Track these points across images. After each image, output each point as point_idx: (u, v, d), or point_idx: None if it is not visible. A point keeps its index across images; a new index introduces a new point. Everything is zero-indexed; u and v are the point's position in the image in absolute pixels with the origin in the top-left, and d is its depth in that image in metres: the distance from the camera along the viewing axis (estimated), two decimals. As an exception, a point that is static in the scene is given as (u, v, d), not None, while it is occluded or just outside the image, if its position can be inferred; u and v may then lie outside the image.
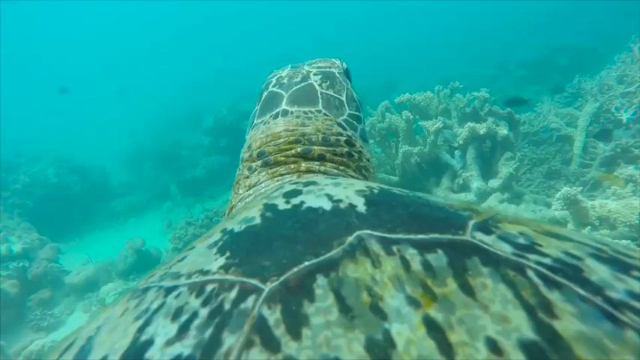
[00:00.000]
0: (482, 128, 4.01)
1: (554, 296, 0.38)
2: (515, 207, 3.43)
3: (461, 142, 4.22)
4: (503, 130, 3.94)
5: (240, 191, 1.05)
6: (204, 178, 10.02)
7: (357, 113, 1.19)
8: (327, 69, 1.22)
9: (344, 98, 1.17)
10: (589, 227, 2.59)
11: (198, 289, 0.46)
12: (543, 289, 0.39)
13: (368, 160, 1.16)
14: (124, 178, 11.80)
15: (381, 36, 25.95)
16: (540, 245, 0.46)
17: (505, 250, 0.45)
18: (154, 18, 33.64)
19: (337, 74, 1.22)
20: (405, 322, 0.37)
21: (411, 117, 4.31)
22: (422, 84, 4.84)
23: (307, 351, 0.36)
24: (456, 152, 4.32)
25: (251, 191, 1.01)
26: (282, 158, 1.03)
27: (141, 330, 0.43)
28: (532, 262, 0.43)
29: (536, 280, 0.40)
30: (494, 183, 3.95)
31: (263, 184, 1.00)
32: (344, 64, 1.30)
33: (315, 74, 1.19)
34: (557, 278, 0.40)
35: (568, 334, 0.35)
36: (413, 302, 0.39)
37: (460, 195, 4.19)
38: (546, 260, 0.43)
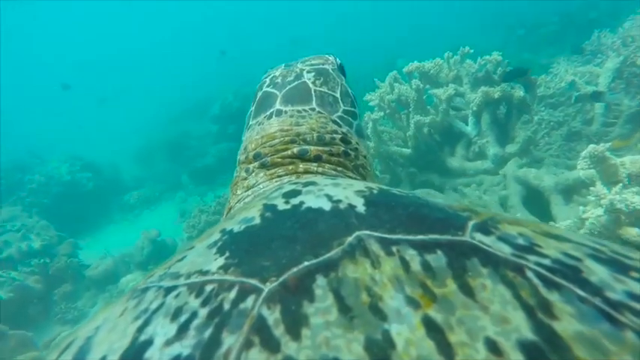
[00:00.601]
0: (496, 92, 3.81)
1: (553, 297, 0.38)
2: (535, 170, 3.26)
3: (474, 108, 4.04)
4: (519, 92, 3.74)
5: (239, 192, 1.05)
6: (214, 165, 10.01)
7: (351, 109, 1.17)
8: (321, 66, 1.21)
9: (338, 95, 1.16)
10: (620, 185, 2.43)
11: (197, 289, 0.46)
12: (542, 289, 0.39)
13: (364, 157, 1.14)
14: (135, 172, 11.89)
15: (382, 9, 25.20)
16: (539, 246, 0.46)
17: (504, 250, 0.45)
18: (157, 12, 33.25)
19: (331, 71, 1.21)
20: (404, 322, 0.37)
21: (422, 86, 4.14)
22: (429, 55, 4.60)
23: (307, 351, 0.35)
24: (470, 119, 4.15)
25: (249, 192, 1.01)
26: (279, 160, 1.03)
27: (140, 330, 0.43)
28: (531, 262, 0.43)
29: (536, 280, 0.40)
30: (512, 148, 3.78)
31: (261, 185, 1.00)
32: (337, 59, 1.29)
33: (308, 72, 1.18)
34: (556, 279, 0.40)
35: (567, 334, 0.35)
36: (412, 303, 0.39)
37: (476, 163, 4.03)
38: (545, 261, 0.43)
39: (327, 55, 1.29)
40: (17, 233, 5.95)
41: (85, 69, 28.42)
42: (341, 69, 1.29)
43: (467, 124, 4.22)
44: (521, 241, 0.47)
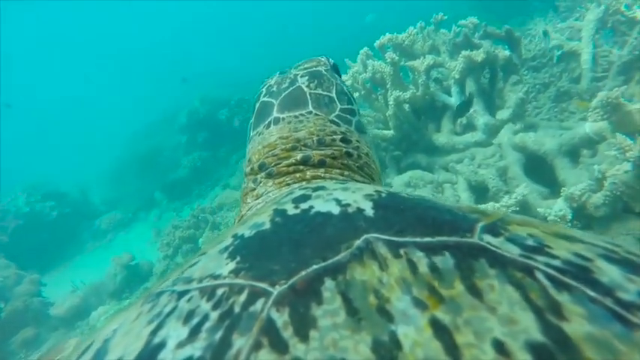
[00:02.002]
0: (479, 54, 3.45)
1: (562, 298, 0.38)
2: (534, 134, 2.90)
3: (457, 76, 3.67)
4: (504, 52, 3.39)
5: (249, 200, 1.06)
6: (188, 177, 9.44)
7: (349, 106, 1.18)
8: (314, 69, 1.24)
9: (334, 94, 1.18)
10: (632, 140, 2.07)
11: (209, 292, 0.47)
12: (552, 290, 0.39)
13: (367, 155, 1.14)
14: (106, 195, 11.17)
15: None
16: (549, 247, 0.46)
17: (513, 251, 0.45)
18: (102, 24, 31.92)
19: (324, 72, 1.23)
20: (411, 323, 0.38)
21: (397, 58, 3.74)
22: (395, 30, 4.21)
23: (315, 352, 0.36)
24: (453, 88, 3.77)
25: (260, 200, 1.02)
26: (284, 168, 1.04)
27: (154, 333, 0.44)
28: (540, 263, 0.43)
29: (545, 281, 0.40)
30: (504, 114, 3.43)
31: (271, 194, 1.01)
32: (330, 60, 1.32)
33: (302, 76, 1.20)
34: (566, 280, 0.41)
35: (577, 335, 0.35)
36: (419, 304, 0.39)
37: (466, 136, 3.66)
38: (555, 262, 0.43)
39: (319, 57, 1.31)
40: (-33, 278, 5.28)
41: (29, 91, 27.09)
42: (335, 69, 1.30)
43: (450, 96, 3.85)
44: (530, 242, 0.47)
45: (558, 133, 2.96)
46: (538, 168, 3.04)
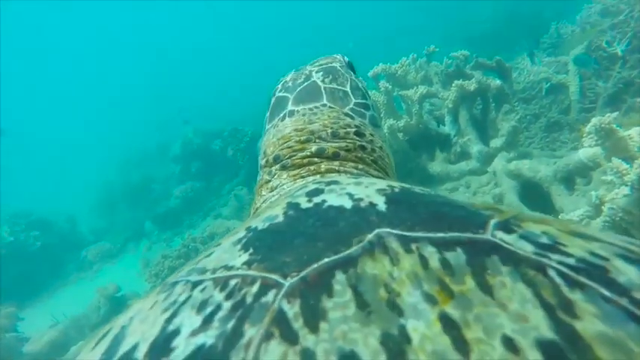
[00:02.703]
0: (472, 84, 3.53)
1: (575, 296, 0.38)
2: (529, 161, 2.91)
3: (450, 105, 3.73)
4: (495, 81, 3.46)
5: (264, 193, 1.06)
6: (179, 208, 9.28)
7: (363, 101, 1.19)
8: (329, 64, 1.24)
9: (348, 89, 1.18)
10: (628, 164, 2.08)
11: (222, 283, 0.48)
12: (564, 288, 0.39)
13: (381, 148, 1.14)
14: (94, 224, 10.88)
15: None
16: (564, 245, 0.46)
17: (526, 249, 0.44)
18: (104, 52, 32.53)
19: (339, 67, 1.24)
20: (421, 318, 0.38)
21: (390, 87, 3.81)
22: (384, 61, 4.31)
23: (324, 344, 0.37)
24: (447, 118, 3.82)
25: (274, 192, 1.02)
26: (299, 160, 1.04)
27: (169, 321, 0.45)
28: (554, 261, 0.42)
29: (558, 279, 0.40)
30: (497, 142, 3.46)
31: (285, 186, 1.01)
32: (345, 57, 1.32)
33: (317, 72, 1.21)
34: (580, 278, 0.40)
35: (589, 334, 0.34)
36: (430, 299, 0.39)
37: (460, 164, 3.67)
38: (569, 260, 0.43)
39: (334, 55, 1.32)
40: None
41: (21, 115, 27.02)
42: (350, 66, 1.31)
43: (443, 125, 3.90)
44: (544, 239, 0.47)
45: (552, 160, 2.98)
46: (533, 195, 3.02)
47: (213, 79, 25.54)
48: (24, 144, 23.54)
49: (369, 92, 3.63)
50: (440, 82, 4.03)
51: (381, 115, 3.93)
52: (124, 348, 0.45)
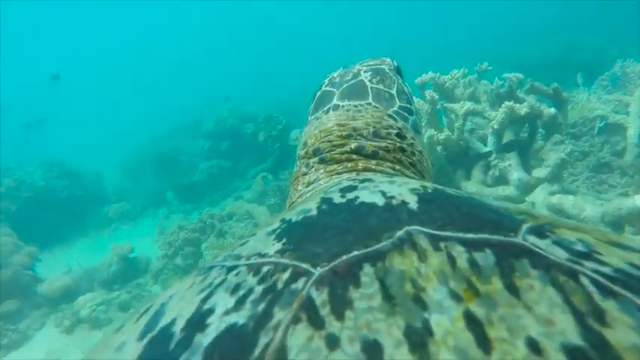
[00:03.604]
0: (523, 108, 3.35)
1: (608, 305, 0.37)
2: (574, 197, 2.74)
3: (496, 126, 3.57)
4: (549, 109, 3.28)
5: (300, 187, 1.07)
6: (202, 183, 9.39)
7: (407, 105, 1.19)
8: (378, 66, 1.25)
9: (394, 91, 1.18)
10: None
11: (255, 269, 0.51)
12: (597, 296, 0.38)
13: (420, 153, 1.14)
14: (119, 185, 11.20)
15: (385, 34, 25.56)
16: (600, 254, 0.45)
17: (558, 255, 0.44)
18: (168, 29, 33.53)
19: (387, 70, 1.24)
20: (445, 313, 0.38)
21: (436, 97, 3.68)
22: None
23: (348, 331, 0.38)
24: (490, 139, 3.66)
25: (310, 187, 1.04)
26: (337, 155, 1.05)
27: (204, 300, 0.48)
28: (588, 269, 0.42)
29: (590, 287, 0.39)
30: (541, 172, 3.28)
31: (322, 182, 1.02)
32: (394, 62, 1.32)
33: (365, 71, 1.22)
34: (615, 288, 0.39)
35: (620, 344, 0.34)
36: (455, 296, 0.40)
37: (497, 189, 3.50)
38: (605, 269, 0.42)
39: (383, 57, 1.33)
40: (-34, 238, 5.23)
41: (87, 76, 28.10)
42: (397, 70, 1.31)
43: (485, 145, 3.74)
44: (579, 247, 0.46)
45: (599, 202, 2.80)
46: (571, 234, 2.85)
47: (258, 63, 25.85)
48: (71, 97, 24.54)
49: (414, 99, 3.55)
50: (488, 102, 3.87)
51: (423, 124, 3.81)
52: (163, 322, 0.49)
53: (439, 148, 3.73)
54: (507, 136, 3.51)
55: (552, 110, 3.29)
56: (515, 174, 3.38)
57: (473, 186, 3.63)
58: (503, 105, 3.45)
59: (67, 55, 32.00)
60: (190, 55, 30.08)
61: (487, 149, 3.64)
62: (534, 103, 3.36)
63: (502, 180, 3.56)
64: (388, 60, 1.32)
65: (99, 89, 28.02)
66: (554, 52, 11.09)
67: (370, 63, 1.28)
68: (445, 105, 3.82)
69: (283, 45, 29.52)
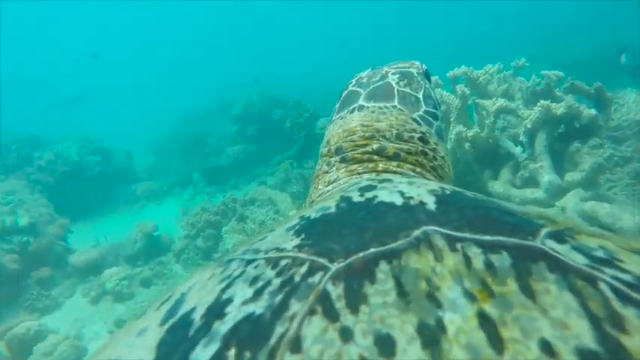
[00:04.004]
0: (560, 108, 3.17)
1: (627, 312, 0.37)
2: (609, 206, 2.58)
3: (529, 125, 3.39)
4: (589, 110, 3.09)
5: (320, 187, 1.09)
6: (228, 167, 9.54)
7: (433, 110, 1.18)
8: (406, 69, 1.25)
9: (420, 96, 1.18)
10: None
11: (273, 262, 0.52)
12: (616, 303, 0.38)
13: (442, 158, 1.14)
14: (148, 164, 11.55)
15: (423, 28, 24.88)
16: (621, 261, 0.44)
17: (577, 260, 0.44)
18: (199, 12, 33.88)
19: (415, 74, 1.24)
20: (458, 312, 0.38)
21: (468, 92, 3.54)
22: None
23: (362, 324, 0.39)
24: (522, 138, 3.49)
25: (330, 187, 1.05)
26: (359, 155, 1.06)
27: (223, 290, 0.50)
28: (607, 275, 0.41)
29: (609, 293, 0.39)
30: (575, 176, 3.10)
31: (342, 181, 1.03)
32: (423, 65, 1.32)
33: (393, 74, 1.22)
34: (635, 295, 0.39)
35: (638, 351, 0.33)
36: (469, 296, 0.40)
37: (525, 191, 3.35)
38: (625, 276, 0.41)
39: (412, 60, 1.31)
40: (6, 207, 5.54)
41: (123, 57, 28.94)
42: (426, 75, 1.31)
43: (516, 145, 3.57)
44: (600, 253, 0.46)
45: (638, 211, 2.62)
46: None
47: (290, 49, 25.82)
48: (109, 76, 25.38)
49: (445, 93, 3.40)
50: (522, 99, 3.68)
51: (452, 119, 3.68)
52: (183, 310, 0.50)
53: (467, 145, 3.60)
54: (540, 136, 3.33)
55: (592, 112, 3.10)
56: (547, 176, 3.22)
57: (500, 186, 3.49)
58: (538, 104, 3.27)
59: (106, 33, 32.97)
60: (228, 35, 30.37)
61: (518, 150, 3.48)
62: (573, 103, 3.16)
63: (532, 182, 3.40)
64: (417, 63, 1.31)
65: (136, 68, 28.80)
66: (598, 50, 10.44)
67: (399, 65, 1.27)
68: (477, 101, 3.66)
69: (320, 31, 29.30)
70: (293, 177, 6.65)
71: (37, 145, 9.73)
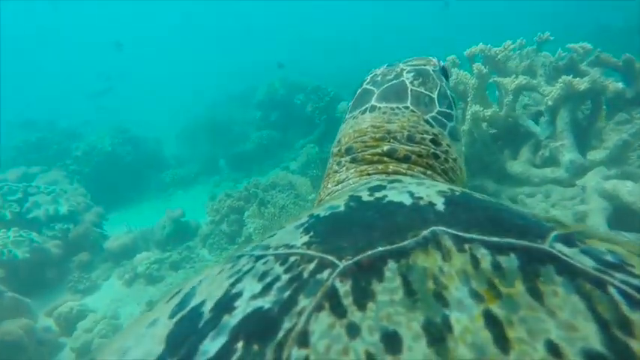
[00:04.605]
0: (583, 83, 3.02)
1: (636, 316, 0.37)
2: (632, 184, 2.48)
3: (550, 102, 3.26)
4: (615, 84, 2.93)
5: (329, 185, 1.09)
6: (253, 153, 9.72)
7: (447, 110, 1.17)
8: (422, 67, 1.22)
9: (435, 95, 1.16)
10: None
11: (282, 259, 0.53)
12: (624, 307, 0.38)
13: (454, 161, 1.12)
14: (177, 151, 11.93)
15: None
16: (632, 266, 0.45)
17: (586, 263, 0.44)
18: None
19: (431, 72, 1.22)
20: (465, 311, 0.39)
21: (485, 71, 3.43)
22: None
23: (369, 321, 0.39)
24: (543, 116, 3.36)
25: (339, 186, 1.05)
26: (369, 156, 1.06)
27: (233, 285, 0.51)
28: (616, 279, 0.41)
29: (618, 297, 0.39)
30: (598, 154, 2.98)
31: (351, 181, 1.04)
32: (441, 62, 1.29)
33: (408, 72, 1.20)
34: None
35: None
36: (476, 296, 0.40)
37: (545, 170, 3.25)
38: (635, 281, 0.42)
39: (430, 57, 1.29)
40: (48, 196, 5.95)
41: (145, 43, 29.55)
42: (443, 71, 1.28)
43: (537, 123, 3.45)
44: (609, 257, 0.45)
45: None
46: (627, 224, 2.59)
47: (310, 32, 25.55)
48: (137, 65, 26.11)
49: (462, 73, 3.30)
50: (545, 76, 3.52)
51: (469, 100, 3.59)
52: (193, 303, 0.51)
53: (484, 125, 3.51)
54: (562, 114, 3.20)
55: (619, 85, 2.94)
56: (568, 155, 3.11)
57: (519, 166, 3.40)
58: (560, 79, 3.13)
59: (130, 24, 33.71)
60: (252, 20, 30.37)
61: (539, 129, 3.36)
62: (598, 77, 3.01)
63: (552, 161, 3.29)
64: (435, 60, 1.28)
65: (160, 57, 29.42)
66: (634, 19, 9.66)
67: (415, 62, 1.25)
68: (496, 79, 3.54)
69: (343, 15, 28.73)
70: (312, 161, 6.72)
71: (74, 137, 10.29)
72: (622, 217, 2.60)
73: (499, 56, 3.68)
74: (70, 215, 5.89)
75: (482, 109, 3.42)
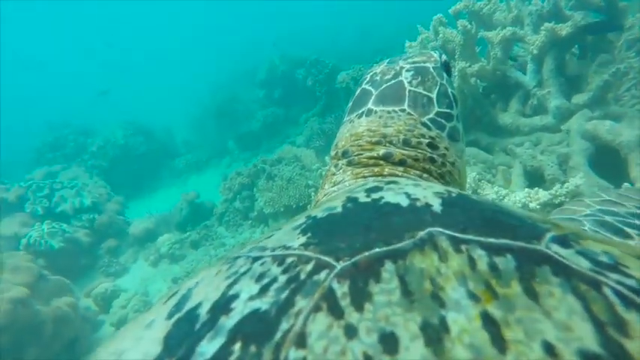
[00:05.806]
0: (565, 28, 3.08)
1: (631, 317, 0.38)
2: (611, 122, 2.59)
3: (535, 51, 3.33)
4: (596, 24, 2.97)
5: (326, 187, 1.10)
6: (259, 131, 9.91)
7: (446, 110, 1.15)
8: (422, 64, 1.21)
9: (434, 95, 1.14)
10: None
11: (279, 260, 0.53)
12: (619, 308, 0.39)
13: (452, 164, 1.12)
14: (187, 137, 12.22)
15: None
16: (626, 266, 0.45)
17: (581, 264, 0.45)
18: None
19: (431, 69, 1.20)
20: (462, 312, 0.39)
21: (469, 26, 3.48)
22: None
23: (367, 322, 0.39)
24: (529, 66, 3.44)
25: (335, 188, 1.06)
26: (365, 160, 1.06)
27: (230, 286, 0.51)
28: (611, 280, 0.42)
29: (613, 298, 0.40)
30: (581, 98, 3.07)
31: (347, 183, 1.05)
32: (443, 56, 1.26)
33: (407, 70, 1.18)
34: (639, 300, 0.39)
35: None
36: (473, 297, 0.41)
37: (534, 119, 3.36)
38: (630, 281, 0.42)
39: (431, 52, 1.26)
40: (72, 190, 6.34)
41: (148, 35, 29.44)
42: (445, 67, 1.25)
43: (525, 74, 3.52)
44: (604, 258, 0.46)
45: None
46: (607, 162, 2.72)
47: (303, 6, 25.01)
48: (135, 62, 26.23)
49: (448, 31, 3.35)
50: (531, 25, 3.56)
51: (456, 57, 3.67)
52: (189, 305, 0.52)
53: (473, 80, 3.60)
54: (547, 61, 3.27)
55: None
56: (554, 102, 3.20)
57: (509, 117, 3.51)
58: (542, 27, 3.19)
59: (123, 20, 33.58)
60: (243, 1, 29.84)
61: (527, 79, 3.44)
62: (579, 20, 3.05)
63: (541, 109, 3.39)
64: (435, 55, 1.24)
65: (157, 49, 29.39)
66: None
67: (415, 59, 1.23)
68: (482, 34, 3.60)
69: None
70: (314, 132, 6.88)
71: (87, 133, 10.66)
72: (602, 155, 2.72)
73: (484, 10, 3.71)
74: (94, 206, 6.28)
75: (468, 64, 3.50)
